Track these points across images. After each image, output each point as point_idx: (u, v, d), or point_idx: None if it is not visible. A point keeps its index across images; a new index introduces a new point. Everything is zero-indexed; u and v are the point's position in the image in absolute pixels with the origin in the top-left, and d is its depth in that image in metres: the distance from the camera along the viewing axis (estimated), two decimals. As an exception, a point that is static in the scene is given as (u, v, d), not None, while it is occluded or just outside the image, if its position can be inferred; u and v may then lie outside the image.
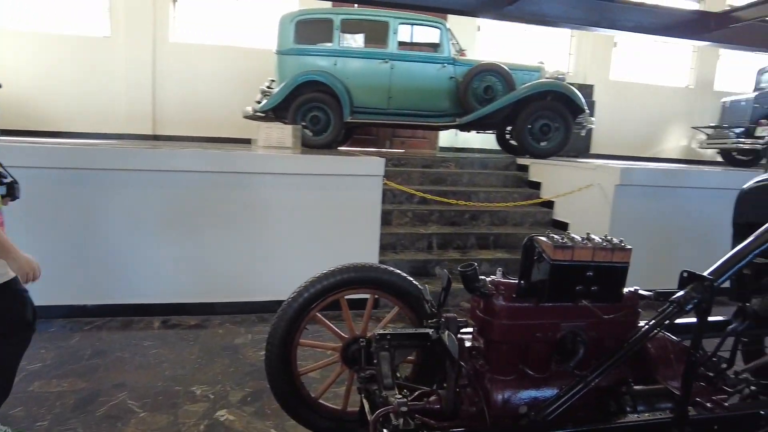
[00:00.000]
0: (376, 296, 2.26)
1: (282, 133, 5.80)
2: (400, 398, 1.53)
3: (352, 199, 3.96)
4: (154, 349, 3.14)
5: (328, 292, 2.19)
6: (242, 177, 3.77)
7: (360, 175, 3.97)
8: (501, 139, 7.78)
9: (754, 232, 2.30)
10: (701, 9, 4.48)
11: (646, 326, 1.42)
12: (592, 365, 1.51)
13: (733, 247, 2.34)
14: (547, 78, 6.62)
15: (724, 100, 8.54)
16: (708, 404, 1.42)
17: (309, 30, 6.37)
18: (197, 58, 8.10)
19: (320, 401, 2.23)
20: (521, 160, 6.19)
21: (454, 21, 7.12)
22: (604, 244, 1.40)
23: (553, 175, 5.45)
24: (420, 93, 6.47)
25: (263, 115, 6.42)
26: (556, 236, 1.42)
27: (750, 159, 8.53)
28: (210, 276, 3.78)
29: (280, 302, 3.85)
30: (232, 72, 8.12)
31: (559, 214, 5.21)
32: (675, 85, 9.93)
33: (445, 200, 4.89)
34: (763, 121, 7.60)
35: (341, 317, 2.18)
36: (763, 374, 1.65)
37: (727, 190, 4.75)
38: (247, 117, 6.66)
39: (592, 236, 1.45)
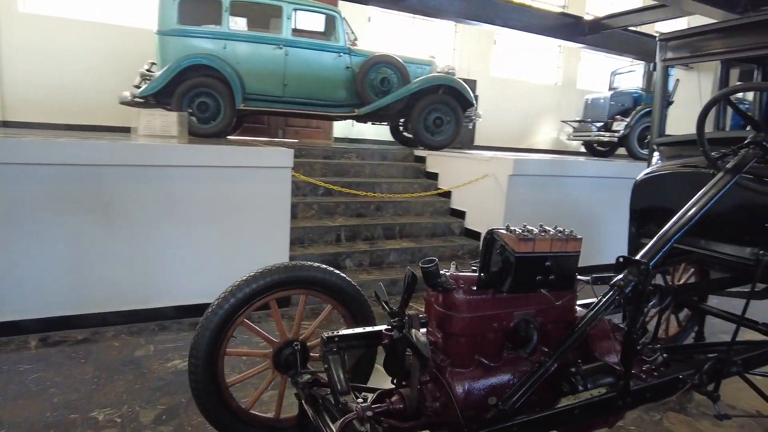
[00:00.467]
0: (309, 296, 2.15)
1: (166, 120, 5.28)
2: (362, 403, 1.47)
3: (259, 192, 3.75)
4: (35, 373, 2.70)
5: (258, 296, 2.04)
6: (134, 170, 3.36)
7: (267, 167, 3.77)
8: (395, 131, 7.94)
9: (649, 216, 2.61)
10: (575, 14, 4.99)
11: (594, 309, 1.52)
12: (539, 350, 1.59)
13: (630, 230, 2.63)
14: (438, 72, 6.87)
15: (586, 97, 9.57)
16: (642, 375, 1.58)
17: (194, 10, 5.88)
18: (59, 34, 7.06)
19: (252, 411, 2.09)
20: (418, 152, 6.37)
21: (345, 11, 7.05)
22: (559, 234, 1.47)
23: (449, 167, 5.69)
24: (316, 81, 6.33)
25: (143, 101, 5.81)
26: (516, 229, 1.46)
27: (608, 150, 9.73)
28: (98, 283, 3.34)
29: (182, 308, 3.57)
30: (105, 52, 7.23)
31: (457, 203, 5.46)
32: (545, 83, 10.92)
33: (354, 192, 4.86)
34: (618, 117, 8.66)
35: (269, 319, 2.04)
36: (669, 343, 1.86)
37: (603, 178, 5.37)
38: (125, 103, 5.98)
39: (546, 227, 1.52)
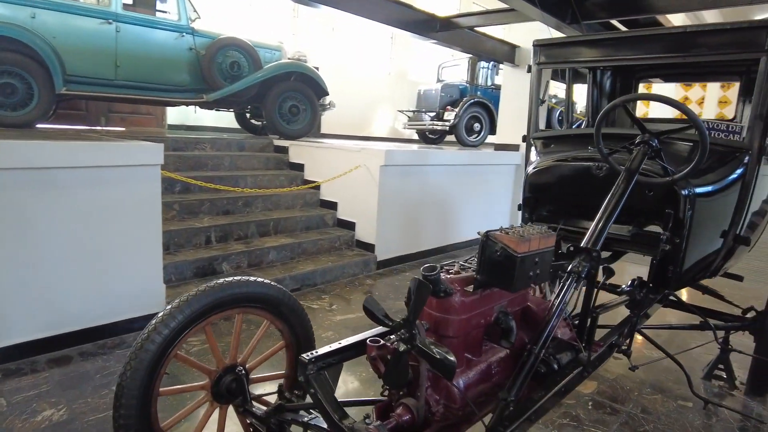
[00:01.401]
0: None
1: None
2: (373, 422, 1.40)
3: (123, 196, 3.19)
4: None
5: (193, 323, 1.78)
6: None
7: (132, 165, 3.22)
8: (241, 118, 7.48)
9: (539, 203, 2.93)
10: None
11: (561, 294, 1.68)
12: (517, 339, 1.70)
13: (523, 215, 2.92)
14: (289, 59, 6.65)
15: (419, 88, 10.28)
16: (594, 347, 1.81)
17: (-16, -35, 4.66)
18: None
19: (194, 452, 1.83)
20: (279, 142, 6.12)
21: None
22: (541, 233, 1.57)
23: (315, 157, 5.59)
24: (155, 63, 5.60)
25: None
26: (507, 230, 1.53)
27: (437, 137, 10.63)
28: None
29: (35, 343, 2.91)
30: None
31: (328, 194, 5.42)
32: (380, 73, 11.38)
33: (217, 187, 4.46)
34: (449, 107, 9.51)
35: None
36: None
37: (456, 165, 5.86)
38: None
39: (520, 226, 1.62)
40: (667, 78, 3.87)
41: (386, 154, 4.87)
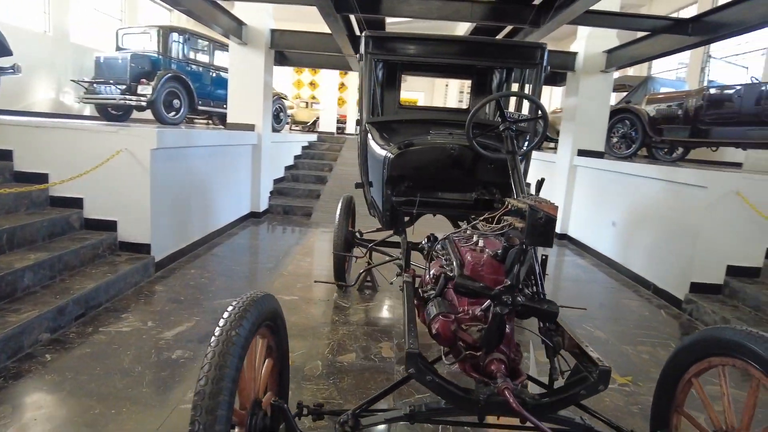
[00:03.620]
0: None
1: None
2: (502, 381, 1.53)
3: None
4: None
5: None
6: None
7: None
8: None
9: (399, 182, 3.24)
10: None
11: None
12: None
13: (386, 193, 3.17)
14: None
15: (97, 56, 8.52)
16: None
17: None
18: None
19: None
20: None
21: None
22: (550, 203, 1.91)
23: (35, 140, 4.17)
24: None
25: None
26: (537, 199, 1.82)
27: (123, 114, 9.18)
28: None
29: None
30: None
31: (65, 189, 4.14)
32: (35, 30, 8.83)
33: None
34: (144, 80, 8.33)
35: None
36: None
37: (216, 146, 5.47)
38: None
39: (529, 197, 1.94)
40: (426, 74, 4.73)
41: (158, 134, 4.12)
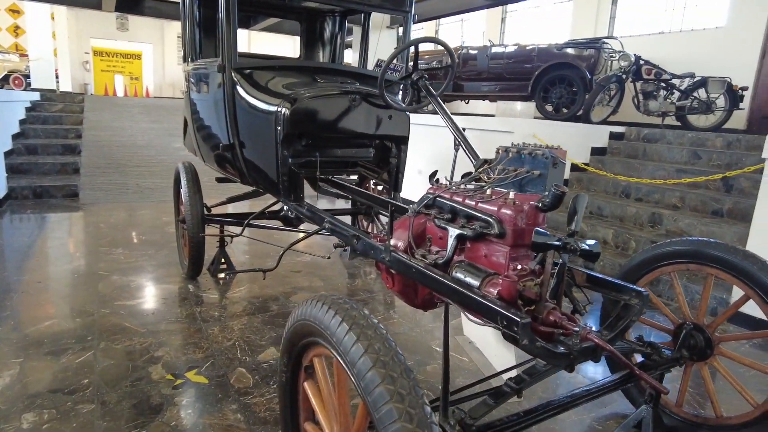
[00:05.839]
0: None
1: None
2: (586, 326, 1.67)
3: None
4: None
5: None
6: None
7: None
8: None
9: (296, 139, 2.90)
10: None
11: None
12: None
13: (282, 153, 2.84)
14: None
15: None
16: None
17: None
18: None
19: None
20: None
21: None
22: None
23: None
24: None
25: None
26: (547, 146, 1.94)
27: None
28: None
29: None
30: None
31: None
32: None
33: None
34: None
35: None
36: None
37: None
38: None
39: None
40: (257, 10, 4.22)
41: None
